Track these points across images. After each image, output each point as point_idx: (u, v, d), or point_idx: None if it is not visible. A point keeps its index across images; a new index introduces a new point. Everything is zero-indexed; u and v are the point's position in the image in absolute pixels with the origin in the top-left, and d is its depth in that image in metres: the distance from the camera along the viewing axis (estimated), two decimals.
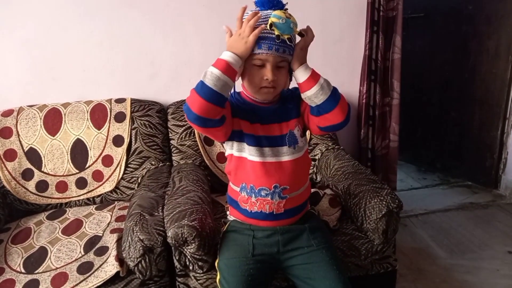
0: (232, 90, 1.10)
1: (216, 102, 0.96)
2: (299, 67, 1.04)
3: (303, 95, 1.07)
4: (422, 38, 2.78)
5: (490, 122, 2.50)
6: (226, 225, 1.21)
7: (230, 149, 1.14)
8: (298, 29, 1.02)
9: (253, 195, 1.12)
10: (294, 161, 1.12)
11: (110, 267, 1.19)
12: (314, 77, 1.04)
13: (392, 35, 2.01)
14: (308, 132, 1.39)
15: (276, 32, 0.98)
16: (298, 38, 1.05)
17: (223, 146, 1.36)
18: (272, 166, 1.10)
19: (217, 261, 1.17)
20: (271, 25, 0.98)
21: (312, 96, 1.04)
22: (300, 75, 1.05)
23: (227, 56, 0.98)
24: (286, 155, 1.12)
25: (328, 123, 1.07)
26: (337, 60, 2.03)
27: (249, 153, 1.11)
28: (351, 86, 2.08)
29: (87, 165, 1.66)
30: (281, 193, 1.11)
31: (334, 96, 1.04)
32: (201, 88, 0.96)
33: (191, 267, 1.21)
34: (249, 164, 1.11)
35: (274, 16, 0.99)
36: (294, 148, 1.12)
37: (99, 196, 1.67)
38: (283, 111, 1.14)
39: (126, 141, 1.68)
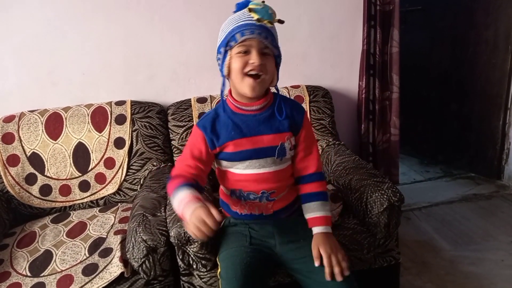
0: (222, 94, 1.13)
1: None
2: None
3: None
4: (420, 31, 2.77)
5: (491, 112, 2.49)
6: (223, 222, 1.21)
7: (217, 165, 1.19)
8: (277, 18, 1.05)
9: (242, 198, 1.16)
10: (279, 171, 1.14)
11: (114, 268, 1.20)
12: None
13: (389, 29, 2.01)
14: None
15: (256, 16, 1.00)
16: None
17: None
18: (258, 176, 1.12)
19: (218, 256, 1.17)
20: (250, 10, 1.01)
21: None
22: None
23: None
24: (272, 165, 1.13)
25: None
26: (335, 56, 2.03)
27: (235, 166, 1.13)
28: (350, 81, 2.08)
29: (90, 168, 1.67)
30: (269, 197, 1.15)
31: None
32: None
33: (194, 266, 1.22)
34: (236, 176, 1.14)
35: (252, 3, 1.03)
36: (281, 160, 1.14)
37: (102, 198, 1.68)
38: (275, 122, 1.12)
39: (127, 143, 1.69)
